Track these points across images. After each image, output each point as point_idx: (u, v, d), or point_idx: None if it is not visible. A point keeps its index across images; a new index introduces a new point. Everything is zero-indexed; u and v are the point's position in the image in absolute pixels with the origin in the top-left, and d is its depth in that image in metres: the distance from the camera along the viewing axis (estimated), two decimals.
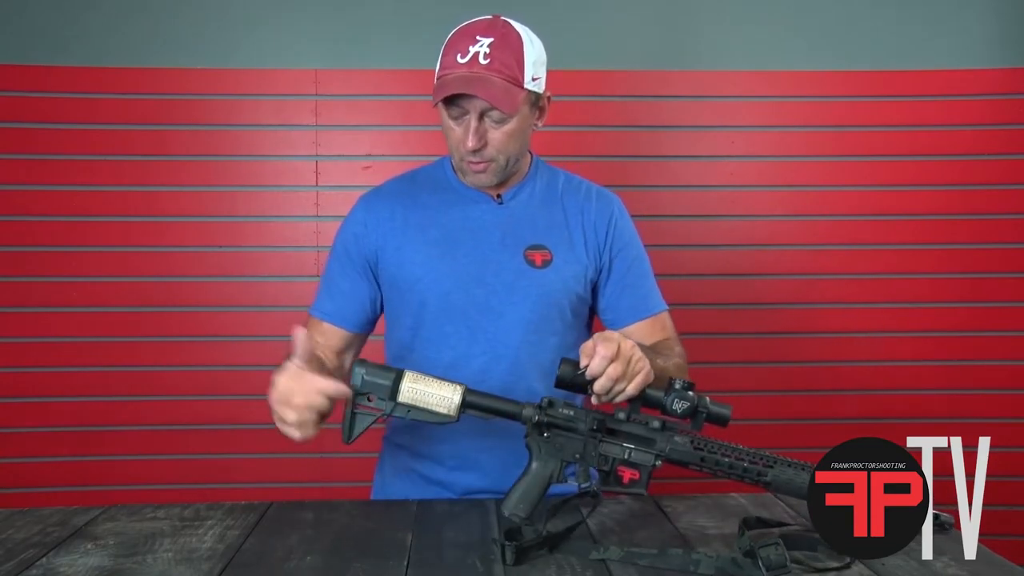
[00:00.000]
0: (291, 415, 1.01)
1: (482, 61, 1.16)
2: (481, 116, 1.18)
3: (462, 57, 1.17)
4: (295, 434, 1.03)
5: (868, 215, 2.17)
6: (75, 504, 1.18)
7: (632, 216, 1.37)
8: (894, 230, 2.17)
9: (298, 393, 1.01)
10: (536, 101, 1.23)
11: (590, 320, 1.36)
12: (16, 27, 2.07)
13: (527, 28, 1.22)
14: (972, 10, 2.17)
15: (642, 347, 1.13)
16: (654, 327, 1.31)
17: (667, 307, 1.34)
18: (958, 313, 2.19)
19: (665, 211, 2.14)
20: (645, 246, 1.36)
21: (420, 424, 1.07)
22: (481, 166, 1.22)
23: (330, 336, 1.31)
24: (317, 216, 2.13)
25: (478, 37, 1.17)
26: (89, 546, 1.02)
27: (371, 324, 1.35)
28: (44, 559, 0.98)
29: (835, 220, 2.18)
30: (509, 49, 1.17)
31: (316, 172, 2.13)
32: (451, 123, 1.21)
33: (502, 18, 1.21)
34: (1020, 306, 2.19)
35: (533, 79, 1.20)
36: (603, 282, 1.31)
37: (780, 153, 2.17)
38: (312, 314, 1.34)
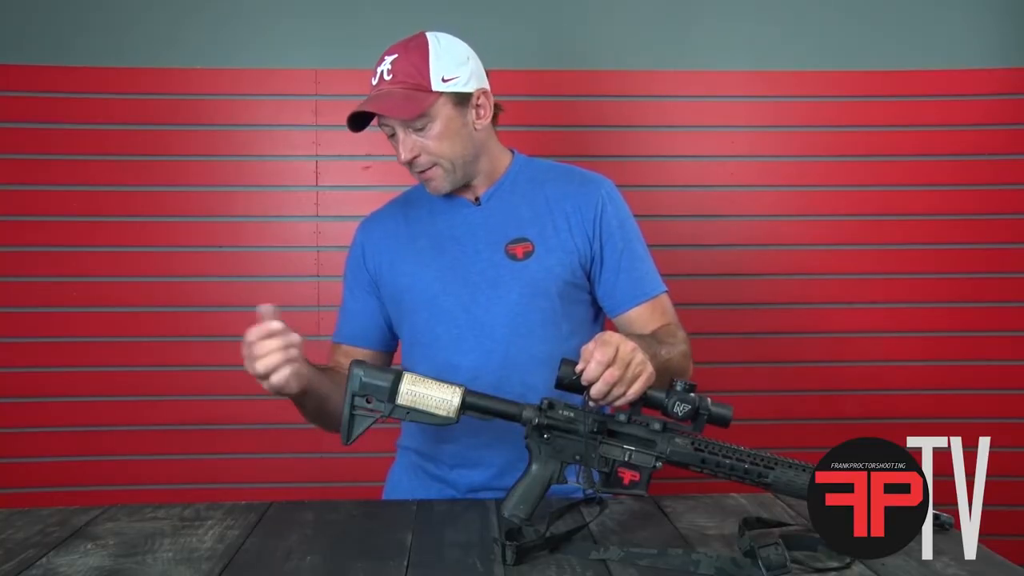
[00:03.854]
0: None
1: (386, 78, 1.22)
2: (405, 130, 1.22)
3: (373, 79, 1.24)
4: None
5: (868, 215, 2.17)
6: (75, 504, 1.18)
7: (633, 216, 1.36)
8: (894, 230, 2.17)
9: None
10: (463, 100, 1.25)
11: (594, 307, 1.35)
12: (16, 27, 2.07)
13: (445, 35, 1.26)
14: (972, 10, 2.16)
15: (645, 339, 1.13)
16: (654, 311, 1.30)
17: (666, 289, 1.33)
18: (958, 313, 2.19)
19: (665, 211, 2.14)
20: (647, 245, 1.36)
21: (425, 426, 1.08)
22: (427, 174, 1.26)
23: (354, 357, 1.34)
24: (317, 216, 2.13)
25: (385, 57, 1.24)
26: (89, 546, 1.02)
27: (391, 342, 1.41)
28: (44, 559, 0.98)
29: (835, 220, 2.18)
30: (410, 59, 1.22)
31: (316, 172, 2.13)
32: (391, 142, 1.26)
33: (425, 32, 1.25)
34: (1019, 306, 2.19)
35: (444, 80, 1.22)
36: (597, 269, 1.31)
37: (780, 153, 2.17)
38: (334, 340, 1.41)
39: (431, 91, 1.21)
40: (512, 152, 1.38)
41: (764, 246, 2.18)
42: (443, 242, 1.32)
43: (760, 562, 0.91)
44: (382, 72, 1.23)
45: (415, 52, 1.22)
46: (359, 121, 1.25)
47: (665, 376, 1.10)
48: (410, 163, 1.25)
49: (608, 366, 0.97)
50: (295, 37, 2.12)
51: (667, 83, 2.16)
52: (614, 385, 0.98)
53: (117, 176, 2.09)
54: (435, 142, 1.23)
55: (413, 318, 1.32)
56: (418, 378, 1.01)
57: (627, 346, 1.00)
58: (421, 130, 1.23)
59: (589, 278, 1.32)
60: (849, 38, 2.17)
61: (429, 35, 1.25)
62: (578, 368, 0.99)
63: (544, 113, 2.13)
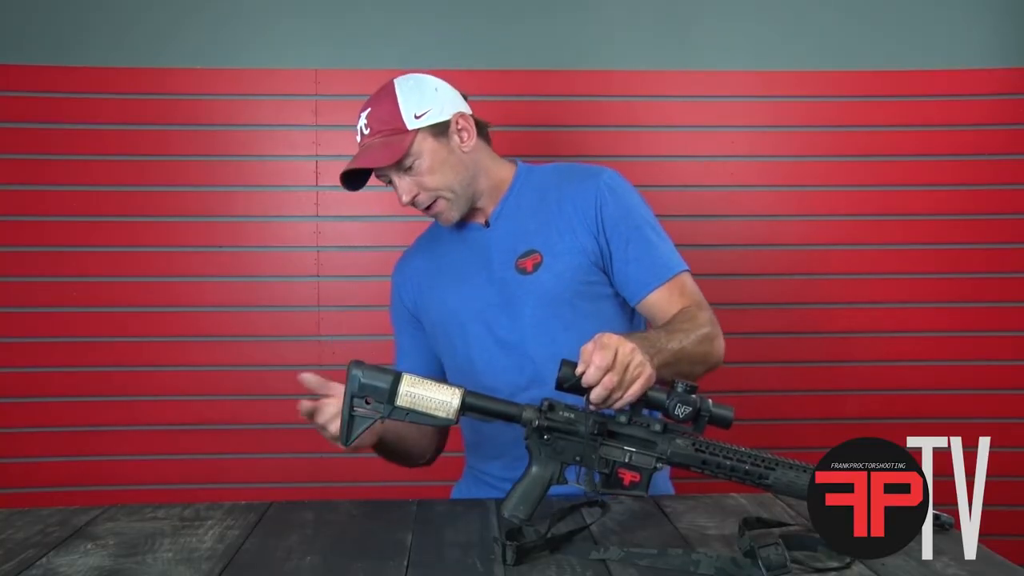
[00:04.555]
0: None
1: (364, 132, 1.28)
2: (399, 174, 1.27)
3: (357, 138, 1.30)
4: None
5: (868, 215, 2.17)
6: (75, 504, 1.18)
7: (642, 201, 1.36)
8: (894, 230, 2.17)
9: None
10: (442, 130, 1.28)
11: (619, 299, 1.34)
12: (16, 27, 2.07)
13: (410, 75, 1.32)
14: (972, 10, 2.16)
15: (650, 336, 1.13)
16: (671, 293, 1.28)
17: (686, 267, 1.31)
18: (958, 313, 2.19)
19: (665, 211, 2.11)
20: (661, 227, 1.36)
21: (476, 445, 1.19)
22: (432, 209, 1.30)
23: None
24: (317, 216, 2.13)
25: (360, 113, 1.30)
26: (89, 546, 1.02)
27: (443, 370, 1.43)
28: (44, 559, 0.98)
29: (835, 220, 2.18)
30: (381, 107, 1.28)
31: (316, 172, 2.13)
32: (392, 189, 1.31)
33: (392, 79, 1.31)
34: (1020, 306, 2.19)
35: (416, 116, 1.26)
36: (608, 262, 1.31)
37: (780, 153, 2.17)
38: None
39: (407, 131, 1.25)
40: (515, 163, 1.39)
41: (764, 246, 2.18)
42: (463, 269, 1.35)
43: (760, 562, 0.91)
44: (360, 128, 1.28)
45: (385, 100, 1.28)
46: (355, 180, 1.30)
47: (680, 365, 1.11)
48: (413, 203, 1.29)
49: (607, 371, 0.97)
50: (295, 37, 2.12)
51: (667, 83, 2.16)
52: (612, 391, 0.98)
53: (116, 176, 2.09)
54: (428, 177, 1.27)
55: (450, 346, 1.36)
56: (417, 380, 1.00)
57: (626, 348, 0.99)
58: (410, 169, 1.26)
59: (606, 272, 1.32)
60: (849, 38, 2.16)
61: (395, 80, 1.30)
62: (578, 371, 0.99)
63: (544, 113, 2.13)
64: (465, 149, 1.30)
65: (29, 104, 2.07)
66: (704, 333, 1.20)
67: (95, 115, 2.08)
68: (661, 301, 1.27)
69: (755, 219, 2.18)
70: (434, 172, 1.27)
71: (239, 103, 2.11)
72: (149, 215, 2.10)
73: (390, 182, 1.29)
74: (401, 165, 1.25)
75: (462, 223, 1.36)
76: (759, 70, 2.16)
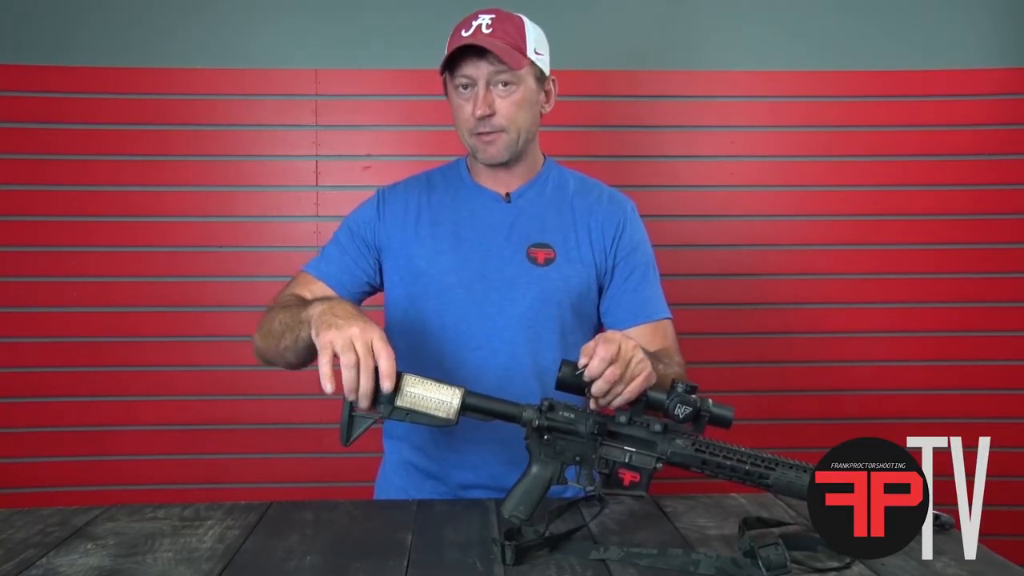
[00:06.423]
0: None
1: (485, 30, 1.22)
2: (488, 86, 1.23)
3: (466, 31, 1.23)
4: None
5: (868, 215, 2.17)
6: (75, 504, 1.18)
7: (649, 241, 1.37)
8: (894, 230, 2.17)
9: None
10: (541, 79, 1.28)
11: (599, 325, 1.36)
12: (16, 27, 2.07)
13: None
14: (971, 10, 2.17)
15: (644, 351, 1.13)
16: (655, 334, 1.30)
17: (670, 316, 1.33)
18: (958, 313, 2.19)
19: (665, 211, 2.14)
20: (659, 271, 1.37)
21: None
22: (490, 137, 1.25)
23: (318, 293, 1.30)
24: (317, 216, 2.13)
25: (479, 15, 1.25)
26: (89, 546, 1.02)
27: (358, 299, 1.34)
28: (44, 559, 0.98)
29: (835, 220, 2.18)
30: (509, 24, 1.24)
31: (316, 172, 2.13)
32: (459, 100, 1.26)
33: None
34: (1020, 306, 2.19)
35: (536, 52, 1.26)
36: (606, 285, 1.32)
37: (780, 153, 2.17)
38: (305, 269, 1.35)
39: (525, 56, 1.24)
40: (544, 156, 1.39)
41: (764, 246, 2.18)
42: (466, 232, 1.30)
43: (760, 562, 0.91)
44: (479, 25, 1.23)
45: (513, 19, 1.25)
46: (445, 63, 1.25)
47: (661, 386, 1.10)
48: (481, 120, 1.24)
49: (611, 363, 0.97)
50: (295, 37, 2.12)
51: (668, 83, 2.16)
52: (615, 383, 0.98)
53: (117, 176, 2.09)
54: (513, 106, 1.24)
55: (422, 304, 1.29)
56: (417, 380, 1.00)
57: (628, 344, 1.00)
58: (504, 87, 1.24)
59: (600, 294, 1.32)
60: (849, 38, 2.17)
61: (519, 14, 1.28)
62: (580, 363, 0.99)
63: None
64: (543, 110, 1.32)
65: (29, 104, 2.07)
66: (679, 372, 1.24)
67: (95, 115, 2.09)
68: (643, 337, 1.27)
69: (755, 219, 2.18)
70: (520, 106, 1.25)
71: (239, 103, 2.12)
72: (149, 215, 2.10)
73: (466, 87, 1.24)
74: (502, 79, 1.23)
75: (478, 187, 1.33)
76: (759, 70, 2.16)
